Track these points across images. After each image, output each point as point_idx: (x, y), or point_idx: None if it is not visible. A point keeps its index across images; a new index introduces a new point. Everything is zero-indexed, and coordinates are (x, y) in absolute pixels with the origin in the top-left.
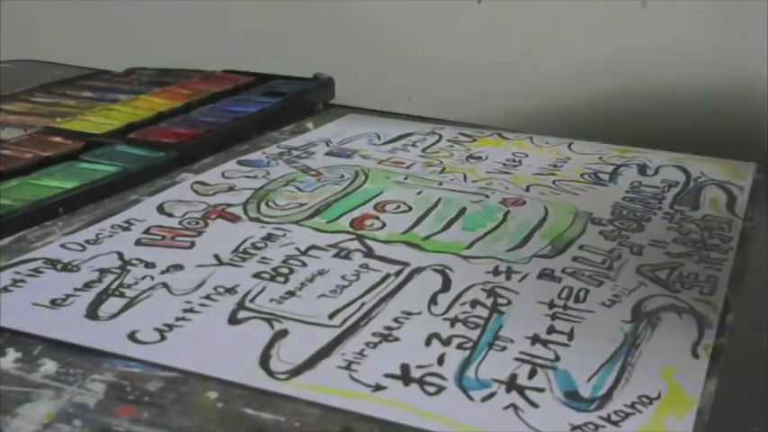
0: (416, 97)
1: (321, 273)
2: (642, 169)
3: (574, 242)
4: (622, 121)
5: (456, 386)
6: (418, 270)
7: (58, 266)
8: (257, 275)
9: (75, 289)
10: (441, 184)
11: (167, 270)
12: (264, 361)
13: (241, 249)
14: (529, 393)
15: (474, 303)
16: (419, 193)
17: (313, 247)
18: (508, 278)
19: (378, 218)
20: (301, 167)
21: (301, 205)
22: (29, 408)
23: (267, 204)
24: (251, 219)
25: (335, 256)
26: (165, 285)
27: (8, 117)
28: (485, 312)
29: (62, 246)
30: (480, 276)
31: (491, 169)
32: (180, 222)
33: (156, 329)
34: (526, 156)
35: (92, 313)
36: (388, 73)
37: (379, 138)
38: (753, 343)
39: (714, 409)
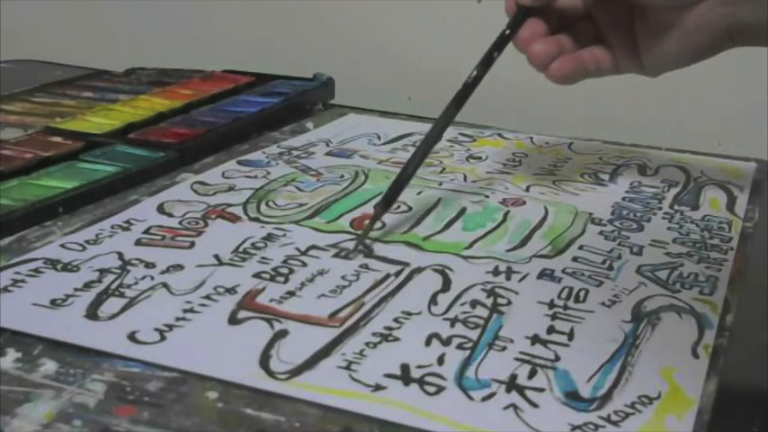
0: (416, 97)
1: (321, 273)
2: (642, 169)
3: (574, 242)
4: (622, 121)
5: (456, 386)
6: (418, 270)
7: (58, 266)
8: (257, 275)
9: (75, 289)
10: (441, 184)
11: (167, 270)
12: (264, 361)
13: (241, 249)
14: (529, 393)
15: (474, 303)
16: (419, 193)
17: (313, 247)
18: (508, 278)
19: None
20: (301, 167)
21: (301, 205)
22: (29, 408)
23: (267, 204)
24: (251, 219)
25: (335, 256)
26: (165, 285)
27: (8, 117)
28: (485, 312)
29: (62, 246)
30: (480, 276)
31: (491, 169)
32: (180, 222)
33: (156, 329)
34: (526, 156)
35: (92, 313)
36: (388, 73)
37: (379, 138)
38: (753, 343)
39: (714, 409)
